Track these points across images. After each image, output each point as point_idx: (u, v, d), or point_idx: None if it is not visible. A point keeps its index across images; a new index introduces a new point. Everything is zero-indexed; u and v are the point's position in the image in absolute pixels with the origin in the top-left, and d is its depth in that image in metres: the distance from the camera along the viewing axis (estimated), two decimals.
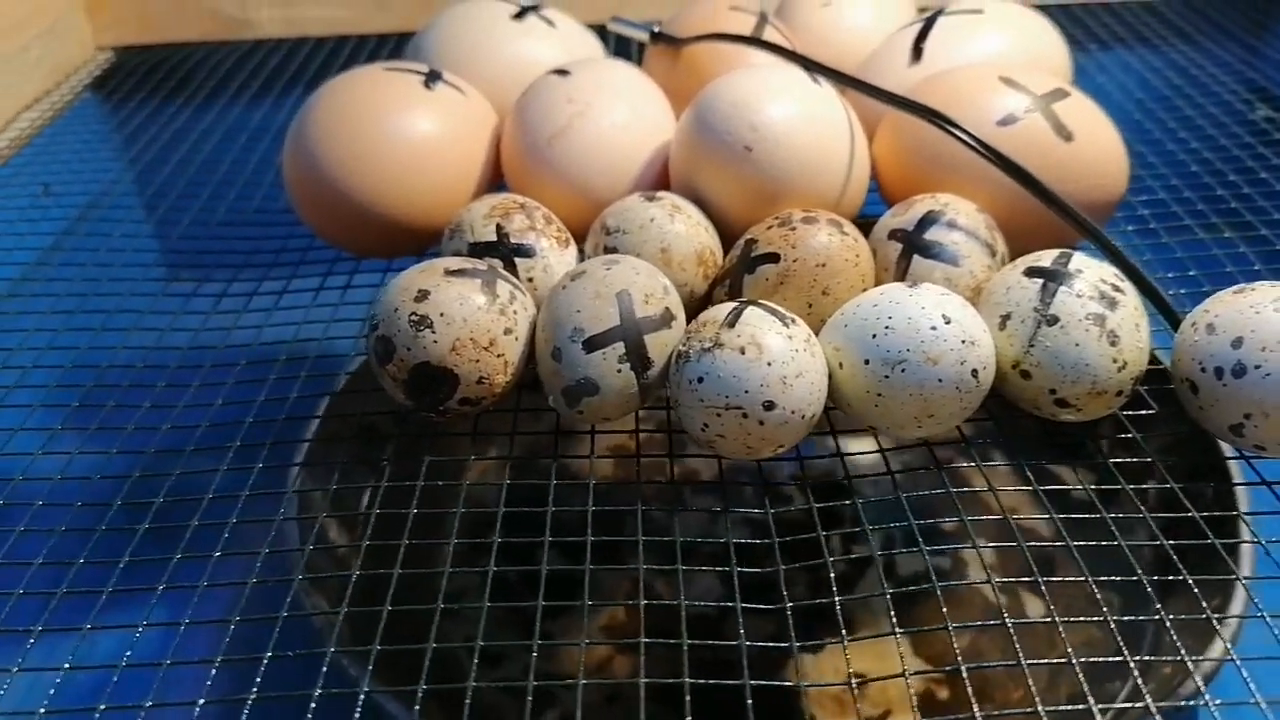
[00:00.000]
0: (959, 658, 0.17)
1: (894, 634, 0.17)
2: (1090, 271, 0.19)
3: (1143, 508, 0.20)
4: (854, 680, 0.17)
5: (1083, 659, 0.17)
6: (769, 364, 0.18)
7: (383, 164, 0.24)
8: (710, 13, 0.29)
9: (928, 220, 0.22)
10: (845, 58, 0.30)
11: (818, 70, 0.24)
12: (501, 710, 0.22)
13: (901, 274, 0.22)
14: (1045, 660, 0.18)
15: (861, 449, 0.23)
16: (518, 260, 0.22)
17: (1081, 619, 0.18)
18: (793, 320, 0.19)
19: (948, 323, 0.18)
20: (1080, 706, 0.16)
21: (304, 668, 0.16)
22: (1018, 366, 0.19)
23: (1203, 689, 0.16)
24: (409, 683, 0.16)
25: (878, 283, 0.22)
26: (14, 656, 0.17)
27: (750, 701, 0.16)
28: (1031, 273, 0.20)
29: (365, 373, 0.22)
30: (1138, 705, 0.17)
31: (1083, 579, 0.18)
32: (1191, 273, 0.26)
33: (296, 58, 0.40)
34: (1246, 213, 0.28)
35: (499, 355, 0.19)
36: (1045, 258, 0.20)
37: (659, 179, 0.25)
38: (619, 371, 0.19)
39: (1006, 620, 0.18)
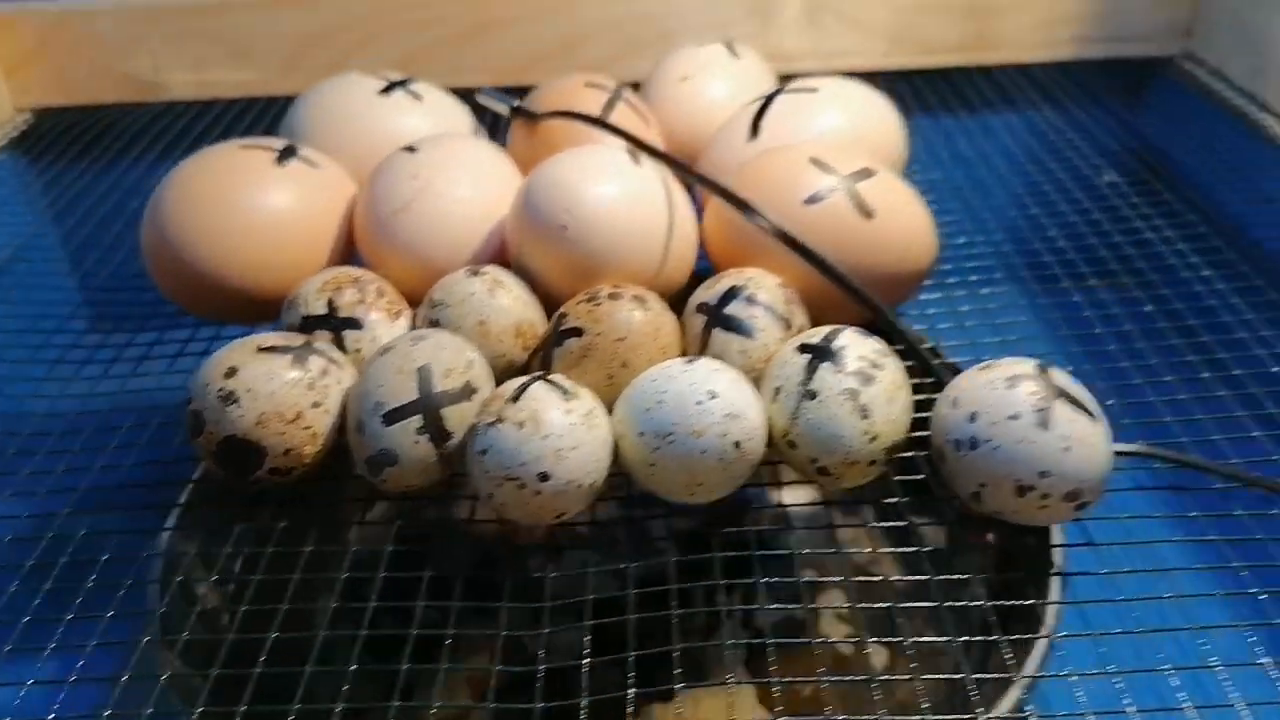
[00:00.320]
0: (779, 710, 0.18)
1: (724, 683, 0.19)
2: (853, 348, 0.21)
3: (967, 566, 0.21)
4: None
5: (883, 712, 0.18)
6: (544, 438, 0.20)
7: (231, 239, 0.25)
8: (568, 89, 0.31)
9: (730, 295, 0.23)
10: (701, 130, 0.31)
11: (643, 150, 0.26)
12: None
13: (704, 346, 0.23)
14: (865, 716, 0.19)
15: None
16: (346, 332, 0.24)
17: (897, 677, 0.19)
18: (575, 395, 0.20)
19: (713, 398, 0.20)
20: None
21: None
22: (786, 437, 0.21)
23: None
24: None
25: (685, 354, 0.24)
26: None
27: None
28: (802, 349, 0.21)
29: None
30: None
31: (900, 639, 0.19)
32: (1009, 336, 0.28)
33: (206, 118, 0.42)
34: (1062, 275, 0.30)
35: (305, 428, 0.21)
36: (818, 334, 0.21)
37: (499, 252, 0.26)
38: (416, 443, 0.21)
39: (822, 679, 0.19)
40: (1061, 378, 0.20)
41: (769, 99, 0.29)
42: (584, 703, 0.18)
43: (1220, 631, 0.19)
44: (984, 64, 0.46)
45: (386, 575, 0.21)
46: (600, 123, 0.27)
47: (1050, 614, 0.21)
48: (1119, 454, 0.21)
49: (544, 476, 0.20)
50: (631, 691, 0.18)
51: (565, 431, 0.20)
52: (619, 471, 0.21)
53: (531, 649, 0.21)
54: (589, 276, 0.24)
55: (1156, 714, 0.17)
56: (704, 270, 0.26)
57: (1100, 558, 0.21)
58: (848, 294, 0.23)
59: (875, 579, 0.24)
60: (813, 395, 0.20)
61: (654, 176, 0.25)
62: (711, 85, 0.33)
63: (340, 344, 0.23)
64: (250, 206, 0.26)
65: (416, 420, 0.20)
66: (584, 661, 0.19)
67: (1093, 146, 0.38)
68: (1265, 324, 0.28)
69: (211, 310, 0.27)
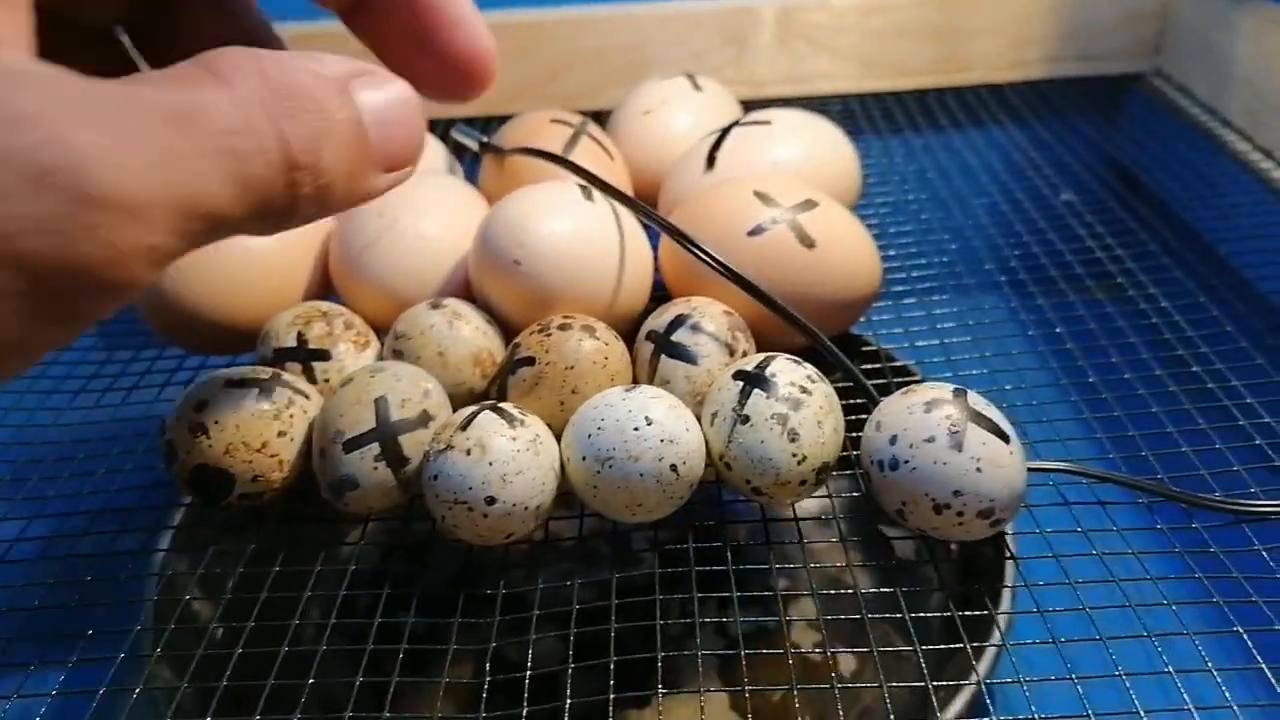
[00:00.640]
0: (749, 715, 0.19)
1: (699, 692, 0.20)
2: (784, 375, 0.22)
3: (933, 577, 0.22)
4: None
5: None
6: (490, 463, 0.21)
7: (212, 276, 0.27)
8: (534, 125, 0.32)
9: (676, 323, 0.25)
10: (663, 162, 0.33)
11: (596, 186, 0.27)
12: None
13: (653, 372, 0.24)
14: None
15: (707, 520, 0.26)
16: (315, 364, 0.25)
17: (856, 684, 0.21)
18: (521, 422, 0.22)
19: (649, 424, 0.21)
20: None
21: None
22: (723, 459, 0.22)
23: None
24: None
25: (636, 380, 0.25)
26: None
27: None
28: (737, 375, 0.22)
29: None
30: None
31: (867, 649, 0.20)
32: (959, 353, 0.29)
33: None
34: (1011, 293, 0.31)
35: (272, 455, 0.22)
36: (752, 362, 0.23)
37: (464, 284, 0.28)
38: (375, 469, 0.22)
39: (793, 686, 0.20)
40: (977, 401, 0.21)
41: (724, 132, 0.31)
42: (566, 706, 0.19)
43: (1173, 639, 0.20)
44: (956, 85, 0.47)
45: (369, 591, 0.22)
46: (558, 159, 0.28)
47: (1003, 622, 0.22)
48: (1034, 470, 0.22)
49: (490, 500, 0.21)
50: (611, 696, 0.20)
51: (510, 458, 0.21)
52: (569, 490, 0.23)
53: (512, 658, 0.22)
54: (542, 307, 0.25)
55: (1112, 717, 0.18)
56: (664, 296, 0.28)
57: (1059, 568, 0.22)
58: (786, 321, 0.24)
59: (845, 590, 0.26)
60: (746, 419, 0.22)
61: (607, 212, 0.27)
62: (674, 118, 0.34)
63: (309, 375, 0.25)
64: (230, 245, 0.27)
65: (374, 448, 0.22)
66: (569, 667, 0.20)
67: (1053, 165, 0.39)
68: (1215, 338, 0.29)
69: (197, 342, 0.29)
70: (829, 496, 0.24)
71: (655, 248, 0.29)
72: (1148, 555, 0.22)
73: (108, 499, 0.25)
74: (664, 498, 0.22)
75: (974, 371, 0.28)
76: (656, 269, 0.28)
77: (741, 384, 0.22)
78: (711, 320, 0.25)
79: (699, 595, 0.21)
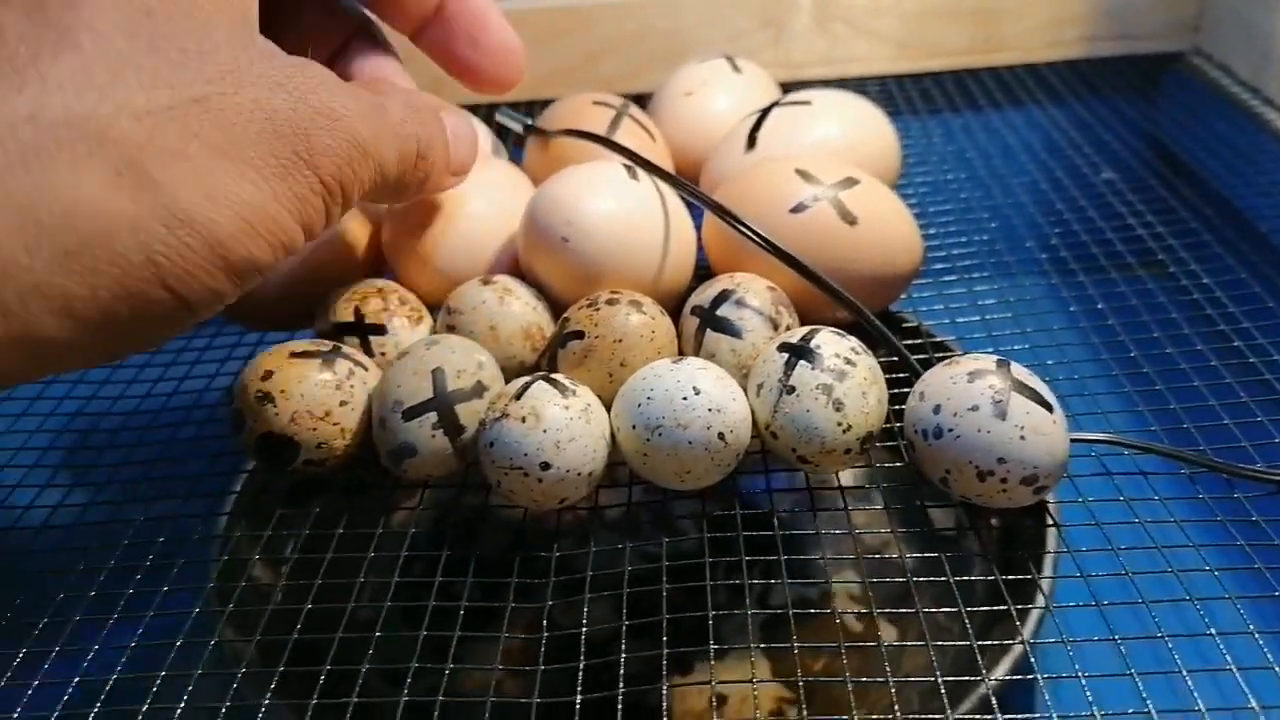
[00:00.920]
0: (798, 671, 0.20)
1: (749, 648, 0.21)
2: (828, 346, 0.23)
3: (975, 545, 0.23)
4: (715, 683, 0.20)
5: (897, 679, 0.19)
6: (544, 431, 0.22)
7: None
8: (577, 107, 0.33)
9: (721, 298, 0.25)
10: (704, 143, 0.33)
11: (641, 165, 0.28)
12: None
13: (698, 346, 0.25)
14: (867, 679, 0.20)
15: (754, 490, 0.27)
16: (372, 338, 0.26)
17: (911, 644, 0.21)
18: (573, 392, 0.23)
19: (697, 393, 0.22)
20: (888, 717, 0.19)
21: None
22: (769, 428, 0.23)
23: (995, 704, 0.19)
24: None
25: (681, 353, 0.26)
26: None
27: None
28: (782, 348, 0.23)
29: None
30: (938, 717, 0.19)
31: (912, 611, 0.21)
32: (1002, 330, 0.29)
33: None
34: (1052, 270, 0.31)
35: (335, 424, 0.23)
36: (797, 335, 0.23)
37: (513, 262, 0.29)
38: (433, 437, 0.23)
39: (841, 645, 0.20)
40: (1021, 372, 0.22)
41: (765, 112, 0.31)
42: (621, 661, 0.20)
43: (1214, 603, 0.20)
44: (993, 65, 0.47)
45: (425, 554, 0.23)
46: (603, 140, 0.29)
47: (1046, 586, 0.22)
48: (1078, 441, 0.22)
49: (545, 466, 0.22)
50: (664, 652, 0.20)
51: (564, 425, 0.22)
52: (622, 461, 0.24)
53: (567, 618, 0.23)
54: (590, 283, 0.26)
55: (1149, 676, 0.19)
56: (707, 273, 0.28)
57: (1102, 538, 0.22)
58: (830, 296, 0.25)
59: (890, 556, 0.26)
60: (791, 390, 0.22)
61: (651, 190, 0.27)
62: (713, 99, 0.34)
63: (367, 348, 0.26)
64: None
65: (432, 416, 0.23)
66: (622, 624, 0.21)
67: (1093, 144, 0.39)
68: (1257, 314, 0.29)
69: (254, 319, 0.30)
70: (871, 466, 0.25)
71: (698, 226, 0.29)
72: (1190, 524, 0.22)
73: (174, 466, 0.27)
74: (712, 465, 0.22)
75: (1015, 347, 0.28)
76: (700, 246, 0.29)
77: (787, 355, 0.23)
78: (756, 295, 0.25)
79: (747, 558, 0.22)
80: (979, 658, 0.20)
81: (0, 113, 0.15)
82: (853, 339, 0.23)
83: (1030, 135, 0.42)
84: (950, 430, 0.21)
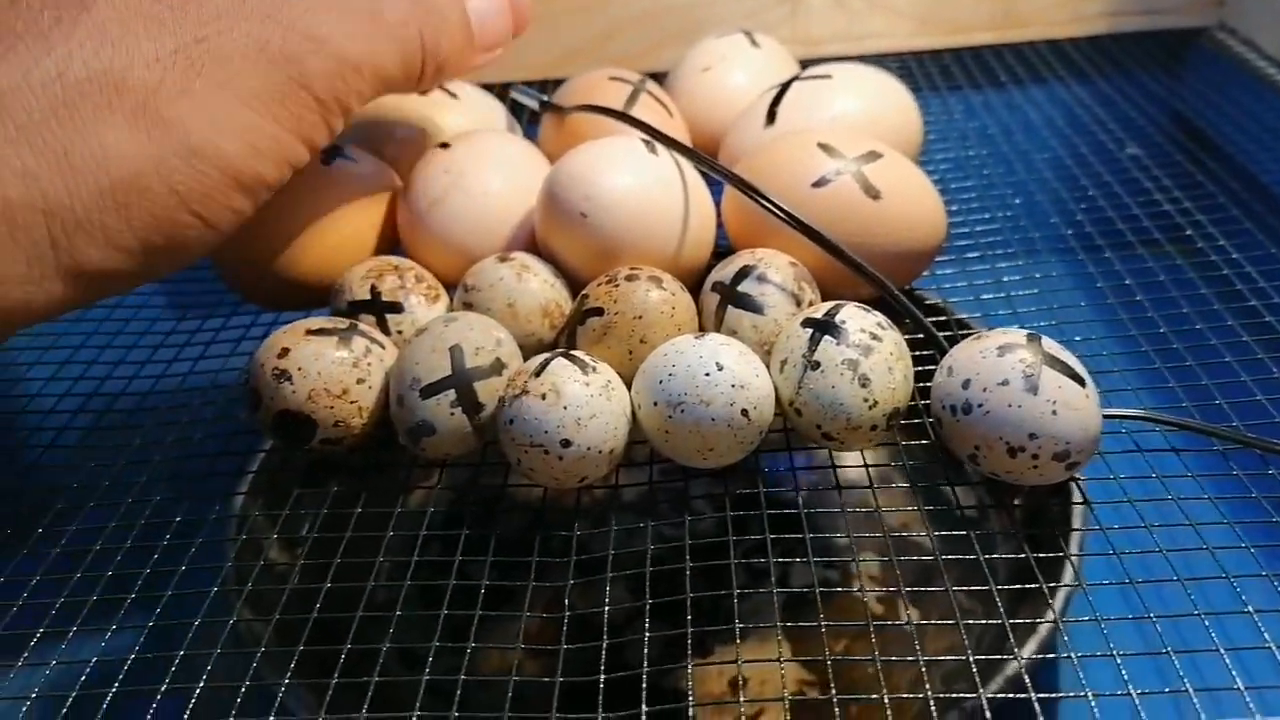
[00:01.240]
0: (826, 651, 0.19)
1: (776, 626, 0.21)
2: (853, 322, 0.22)
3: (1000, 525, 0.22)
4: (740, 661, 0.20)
5: (927, 658, 0.19)
6: (565, 408, 0.21)
7: (284, 235, 0.27)
8: (593, 83, 0.32)
9: (743, 274, 0.25)
10: (722, 118, 0.33)
11: (659, 140, 0.27)
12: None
13: (719, 322, 0.25)
14: (896, 658, 0.19)
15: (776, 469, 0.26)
16: (388, 315, 0.26)
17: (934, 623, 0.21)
18: (593, 368, 0.22)
19: (720, 369, 0.21)
20: (919, 695, 0.18)
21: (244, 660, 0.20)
22: (793, 404, 0.22)
23: (1028, 681, 0.18)
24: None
25: (701, 329, 0.25)
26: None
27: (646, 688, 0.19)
28: (806, 323, 0.23)
29: None
30: (970, 696, 0.18)
31: (942, 588, 0.20)
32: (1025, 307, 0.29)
33: None
34: (1078, 247, 0.31)
35: (352, 402, 0.23)
36: (821, 310, 0.23)
37: (529, 239, 0.28)
38: (452, 415, 0.22)
39: (869, 623, 0.20)
40: (1052, 346, 0.21)
41: (784, 87, 0.31)
42: (645, 640, 0.20)
43: (1250, 580, 0.20)
44: (1014, 41, 0.46)
45: (443, 534, 0.23)
46: (621, 115, 0.29)
47: (1077, 564, 0.22)
48: (1110, 417, 0.22)
49: (566, 443, 0.21)
50: (689, 630, 0.20)
51: (584, 402, 0.21)
52: (642, 440, 0.23)
53: (589, 596, 0.23)
54: (608, 259, 0.26)
55: (1185, 655, 0.18)
56: (726, 250, 0.28)
57: (1124, 515, 0.22)
58: (854, 271, 0.24)
59: (917, 534, 0.26)
60: (816, 366, 0.22)
61: (670, 165, 0.27)
62: (732, 75, 0.34)
63: (383, 326, 0.25)
64: (300, 204, 0.28)
65: (450, 394, 0.22)
66: (646, 603, 0.21)
67: (1118, 120, 0.38)
68: None
69: (269, 298, 0.29)
70: (896, 444, 0.24)
71: (718, 202, 0.29)
72: (1224, 500, 0.22)
73: (190, 446, 0.26)
74: (735, 442, 0.22)
75: (1042, 323, 0.28)
76: (719, 222, 0.29)
77: (811, 331, 0.22)
78: (778, 271, 0.25)
79: (771, 536, 0.22)
80: (1010, 635, 0.19)
81: (33, 75, 0.18)
82: (878, 314, 0.23)
83: (1053, 111, 0.41)
84: (980, 405, 0.21)
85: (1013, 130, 0.40)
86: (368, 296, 0.26)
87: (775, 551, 0.28)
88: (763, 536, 0.22)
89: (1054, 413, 0.20)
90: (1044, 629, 0.20)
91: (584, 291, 0.25)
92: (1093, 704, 0.17)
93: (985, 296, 0.29)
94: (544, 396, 0.21)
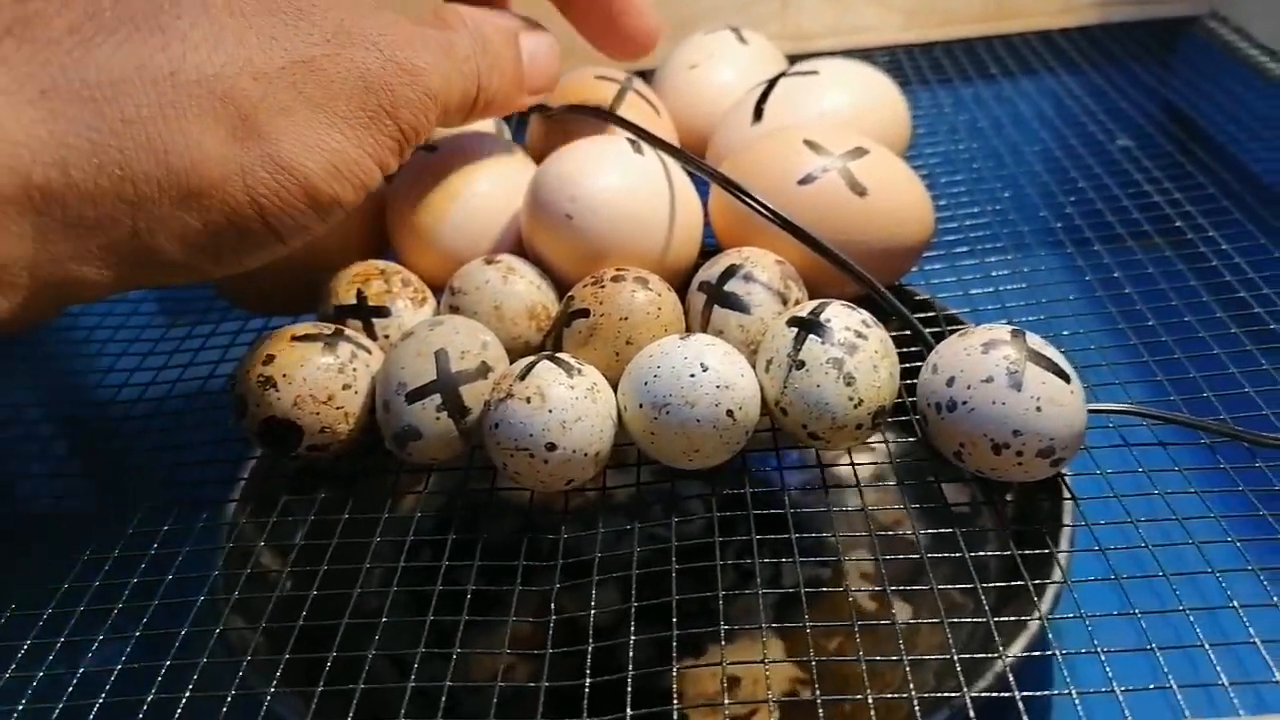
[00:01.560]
0: (810, 651, 0.19)
1: (760, 628, 0.21)
2: (838, 320, 0.22)
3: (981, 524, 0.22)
4: (725, 663, 0.19)
5: (912, 657, 0.19)
6: (550, 411, 0.21)
7: None
8: (580, 82, 0.32)
9: (729, 273, 0.25)
10: (709, 115, 0.33)
11: (645, 139, 0.27)
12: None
13: (706, 322, 0.25)
14: (881, 658, 0.19)
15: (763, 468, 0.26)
16: (375, 320, 0.26)
17: (921, 621, 0.21)
18: (579, 371, 0.22)
19: (705, 370, 0.21)
20: (903, 695, 0.18)
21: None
22: (778, 404, 0.22)
23: (1012, 681, 0.18)
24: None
25: (688, 329, 0.25)
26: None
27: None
28: (791, 322, 0.22)
29: None
30: (954, 695, 0.18)
31: (927, 588, 0.20)
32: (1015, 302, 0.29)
33: None
34: (1067, 241, 0.31)
35: (338, 408, 0.23)
36: (806, 308, 0.23)
37: (515, 241, 0.28)
38: (437, 419, 0.22)
39: (854, 623, 0.20)
40: (1036, 341, 0.21)
41: (771, 83, 0.31)
42: (630, 643, 0.20)
43: (1236, 575, 0.20)
44: (1004, 33, 0.46)
45: (431, 539, 0.23)
46: (607, 115, 0.29)
47: (1064, 561, 0.22)
48: (1095, 412, 0.22)
49: (551, 446, 0.21)
50: (674, 633, 0.20)
51: (569, 405, 0.21)
52: (629, 442, 0.23)
53: (576, 600, 0.23)
54: (594, 261, 0.26)
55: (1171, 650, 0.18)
56: (714, 248, 0.28)
57: (1113, 509, 0.22)
58: (840, 269, 0.24)
59: (903, 533, 0.25)
60: (801, 365, 0.22)
61: (656, 165, 0.27)
62: (719, 71, 0.34)
63: (370, 331, 0.25)
64: None
65: (436, 399, 0.22)
66: (632, 605, 0.21)
67: (1108, 112, 0.38)
68: (1277, 280, 0.28)
69: (257, 304, 0.29)
70: (884, 443, 0.24)
71: (705, 201, 0.29)
72: (1211, 494, 0.21)
73: (180, 453, 0.26)
74: (720, 443, 0.22)
75: (1030, 318, 0.28)
76: (706, 222, 0.29)
77: (796, 330, 0.22)
78: (764, 270, 0.25)
79: (757, 537, 0.22)
80: (995, 634, 0.19)
81: (147, 68, 0.18)
82: (863, 312, 0.23)
83: (1043, 104, 0.41)
84: (964, 403, 0.20)
85: (1003, 123, 0.39)
86: (354, 301, 0.26)
87: (766, 551, 0.28)
88: (749, 538, 0.22)
89: (1038, 409, 0.20)
90: (1033, 626, 0.20)
91: (570, 293, 0.25)
92: (1076, 702, 0.17)
93: (974, 292, 0.29)
94: (529, 400, 0.21)
